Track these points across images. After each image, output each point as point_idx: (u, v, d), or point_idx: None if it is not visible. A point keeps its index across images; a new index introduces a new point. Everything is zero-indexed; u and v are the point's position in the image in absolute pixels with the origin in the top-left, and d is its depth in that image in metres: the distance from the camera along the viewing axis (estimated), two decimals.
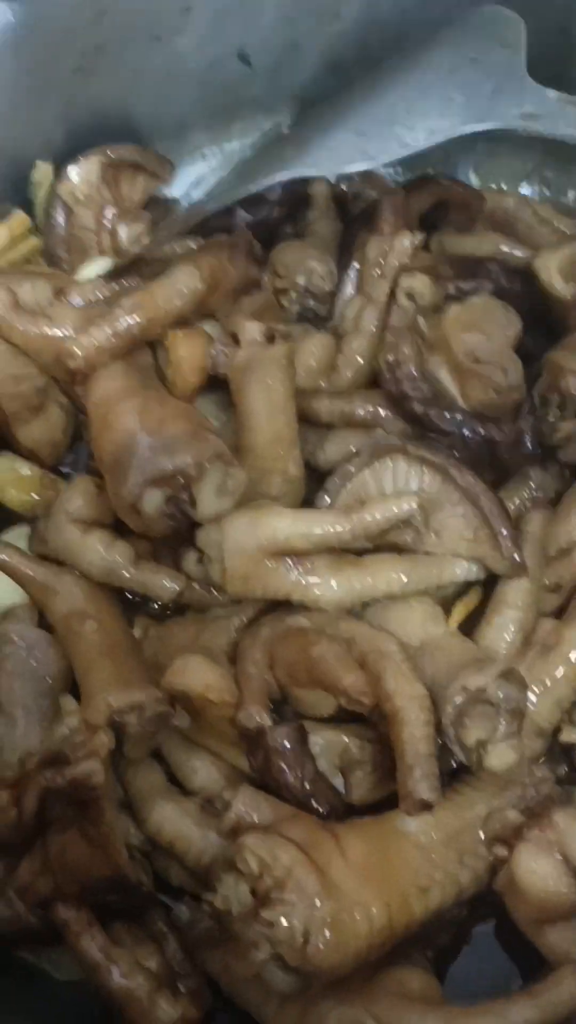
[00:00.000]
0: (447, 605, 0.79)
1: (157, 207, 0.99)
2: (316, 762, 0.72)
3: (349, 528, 0.74)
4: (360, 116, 0.74)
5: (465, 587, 0.80)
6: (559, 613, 0.78)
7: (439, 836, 0.69)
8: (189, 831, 0.72)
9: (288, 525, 0.74)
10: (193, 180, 1.04)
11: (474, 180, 1.03)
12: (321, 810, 0.71)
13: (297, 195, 0.97)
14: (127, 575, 0.80)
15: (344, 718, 0.75)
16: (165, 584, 0.80)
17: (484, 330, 0.76)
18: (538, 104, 0.72)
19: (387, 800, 0.73)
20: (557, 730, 0.75)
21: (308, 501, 0.81)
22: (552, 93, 0.73)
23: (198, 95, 1.01)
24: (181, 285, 0.84)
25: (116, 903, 0.71)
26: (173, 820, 0.73)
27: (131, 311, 0.81)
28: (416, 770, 0.66)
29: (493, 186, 1.01)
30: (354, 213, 0.95)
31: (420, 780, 0.66)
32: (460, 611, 0.79)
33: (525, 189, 1.02)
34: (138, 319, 0.81)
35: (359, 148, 0.72)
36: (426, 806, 0.66)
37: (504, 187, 1.02)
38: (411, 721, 0.67)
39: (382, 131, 0.73)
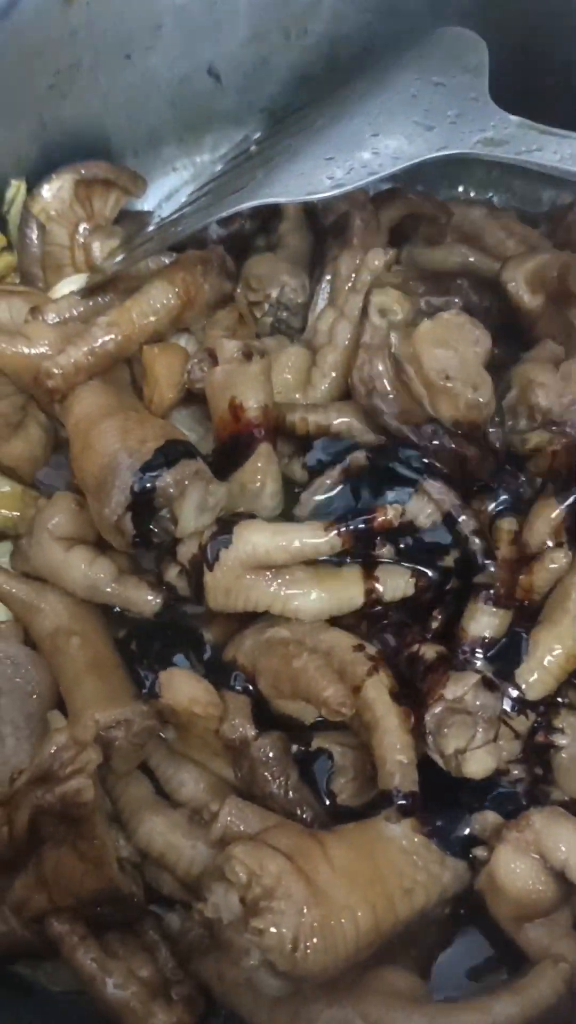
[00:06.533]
0: None
1: (130, 220, 1.00)
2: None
3: (327, 540, 0.76)
4: (328, 141, 0.75)
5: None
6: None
7: (420, 839, 0.71)
8: (178, 842, 0.74)
9: (267, 539, 0.75)
10: (165, 193, 1.06)
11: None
12: (305, 817, 0.73)
13: (268, 208, 0.98)
14: (110, 591, 0.81)
15: (328, 726, 0.78)
16: (148, 599, 0.81)
17: (454, 346, 0.77)
18: (499, 129, 0.73)
19: (371, 805, 0.75)
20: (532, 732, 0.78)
21: (286, 512, 0.83)
22: (514, 119, 0.74)
23: (169, 111, 1.02)
24: (156, 301, 0.85)
25: (109, 915, 0.73)
26: (162, 832, 0.74)
27: (107, 329, 0.83)
28: (396, 778, 0.68)
29: (460, 189, 1.03)
30: (325, 225, 0.97)
31: (400, 788, 0.68)
32: None
33: (492, 197, 1.04)
34: (114, 336, 0.83)
35: (327, 174, 0.73)
36: (407, 812, 0.68)
37: (472, 194, 1.04)
38: (391, 730, 0.70)
39: (349, 157, 0.74)
